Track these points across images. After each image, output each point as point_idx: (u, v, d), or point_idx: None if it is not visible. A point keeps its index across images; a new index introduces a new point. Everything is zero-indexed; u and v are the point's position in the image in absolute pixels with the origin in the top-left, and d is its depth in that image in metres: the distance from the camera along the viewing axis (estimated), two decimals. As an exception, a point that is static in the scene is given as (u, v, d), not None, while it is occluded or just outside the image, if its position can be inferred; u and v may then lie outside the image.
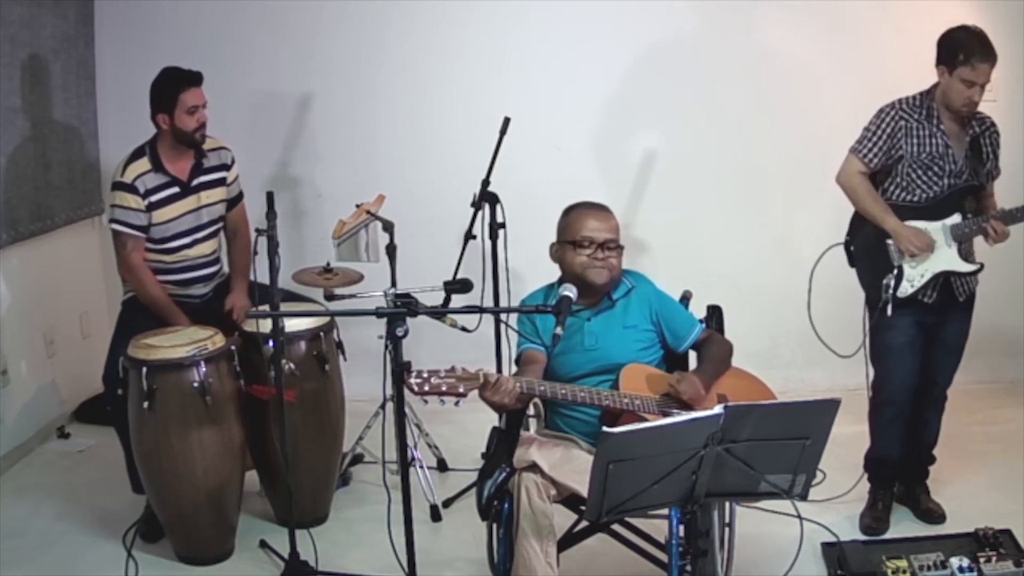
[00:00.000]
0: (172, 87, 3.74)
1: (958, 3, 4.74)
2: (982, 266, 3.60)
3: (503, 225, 4.05)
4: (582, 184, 4.73)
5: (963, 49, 3.41)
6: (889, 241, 3.56)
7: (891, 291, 3.54)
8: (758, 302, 4.10)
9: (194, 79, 3.77)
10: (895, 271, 3.55)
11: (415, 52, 4.97)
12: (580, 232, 3.14)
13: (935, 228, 3.53)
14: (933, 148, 3.51)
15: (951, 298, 3.60)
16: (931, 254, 3.52)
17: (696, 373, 3.11)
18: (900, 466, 3.86)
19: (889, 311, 3.54)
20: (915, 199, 3.56)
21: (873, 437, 3.80)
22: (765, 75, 4.90)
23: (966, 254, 3.57)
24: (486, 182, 4.01)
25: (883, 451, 3.77)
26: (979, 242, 3.62)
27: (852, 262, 3.73)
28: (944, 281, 3.56)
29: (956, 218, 3.53)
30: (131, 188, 3.74)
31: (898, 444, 3.76)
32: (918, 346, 3.64)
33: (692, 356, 3.31)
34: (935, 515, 3.73)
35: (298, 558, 3.44)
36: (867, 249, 3.64)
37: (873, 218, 3.58)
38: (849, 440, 3.97)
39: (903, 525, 3.73)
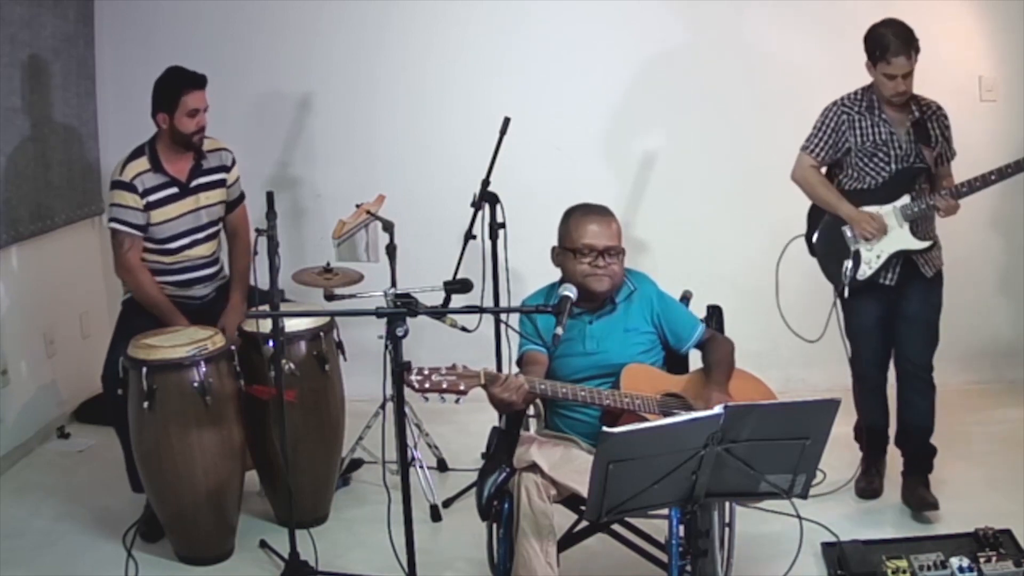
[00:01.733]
0: (176, 87, 3.73)
1: (958, 3, 4.73)
2: (935, 242, 3.74)
3: (503, 225, 4.05)
4: (582, 184, 4.71)
5: (878, 46, 3.59)
6: (844, 227, 3.73)
7: (850, 275, 3.70)
8: (758, 302, 4.11)
9: (198, 82, 3.76)
10: (852, 255, 3.71)
11: (415, 52, 4.96)
12: (580, 240, 3.11)
13: (887, 211, 3.70)
14: (876, 136, 3.68)
15: (916, 274, 3.74)
16: (884, 236, 3.67)
17: (709, 384, 3.10)
18: (902, 466, 3.89)
19: (846, 293, 3.71)
20: (865, 186, 3.73)
21: (858, 411, 3.96)
22: (766, 75, 4.89)
23: (923, 233, 3.70)
24: (486, 182, 4.01)
25: (869, 421, 3.95)
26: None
27: (812, 252, 3.90)
28: (906, 259, 3.70)
29: (905, 199, 3.68)
30: (130, 187, 3.74)
31: (883, 414, 3.95)
32: (884, 325, 3.80)
33: (692, 356, 3.30)
34: (926, 503, 3.73)
35: (298, 558, 3.44)
36: (826, 238, 3.81)
37: (828, 207, 3.77)
38: (849, 440, 3.99)
39: (903, 524, 3.73)
